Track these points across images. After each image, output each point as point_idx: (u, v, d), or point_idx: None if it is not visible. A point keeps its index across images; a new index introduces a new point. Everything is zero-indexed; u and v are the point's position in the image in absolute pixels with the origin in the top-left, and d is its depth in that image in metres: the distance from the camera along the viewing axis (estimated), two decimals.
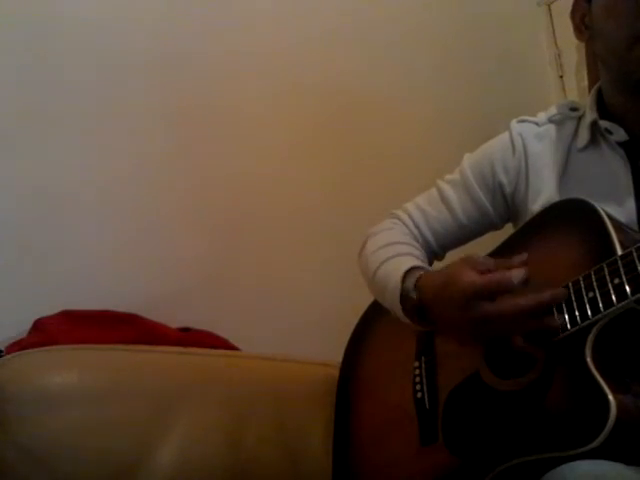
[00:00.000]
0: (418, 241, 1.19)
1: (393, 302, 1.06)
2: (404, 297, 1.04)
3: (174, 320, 1.46)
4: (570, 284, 0.89)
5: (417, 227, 1.19)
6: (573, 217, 0.97)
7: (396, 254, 1.12)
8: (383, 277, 1.10)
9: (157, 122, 1.59)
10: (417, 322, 1.04)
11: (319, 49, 1.81)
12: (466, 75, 2.03)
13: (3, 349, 1.28)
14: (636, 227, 0.97)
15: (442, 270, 1.01)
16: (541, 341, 0.90)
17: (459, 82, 2.01)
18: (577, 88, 2.07)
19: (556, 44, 2.17)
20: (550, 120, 1.13)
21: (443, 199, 1.18)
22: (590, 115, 1.07)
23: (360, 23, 1.89)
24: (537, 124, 1.14)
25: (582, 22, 1.05)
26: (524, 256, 0.93)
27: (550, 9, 2.18)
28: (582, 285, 0.87)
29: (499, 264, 0.94)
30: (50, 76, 1.48)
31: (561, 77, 2.16)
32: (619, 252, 0.85)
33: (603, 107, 1.07)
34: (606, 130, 1.04)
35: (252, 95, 1.71)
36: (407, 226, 1.20)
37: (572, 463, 0.79)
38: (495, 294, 0.91)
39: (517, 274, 0.90)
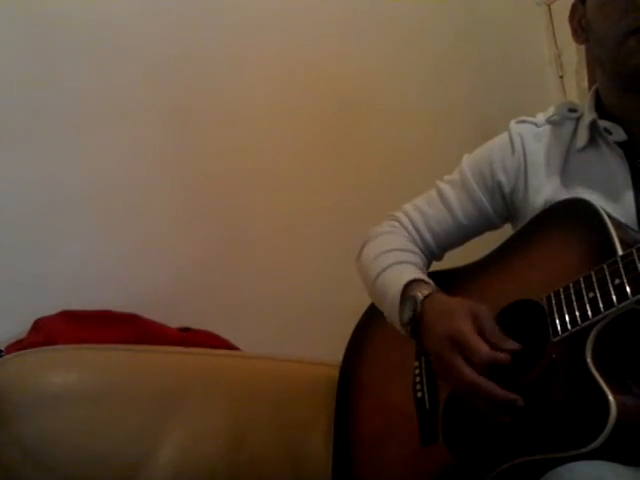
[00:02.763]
0: (417, 243, 1.19)
1: (391, 312, 1.08)
2: (402, 307, 1.05)
3: (174, 320, 1.46)
4: (570, 284, 0.89)
5: (416, 228, 1.19)
6: (574, 217, 0.97)
7: (395, 262, 1.13)
8: (382, 286, 1.12)
9: (158, 123, 1.59)
10: (409, 333, 1.05)
11: (320, 48, 1.82)
12: (466, 75, 2.03)
13: (3, 349, 1.28)
14: (636, 227, 0.97)
15: (452, 300, 1.02)
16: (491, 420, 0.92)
17: (459, 82, 2.01)
18: (577, 88, 2.07)
19: (556, 44, 2.17)
20: (549, 121, 1.13)
21: (442, 199, 1.18)
22: (589, 115, 1.07)
23: (360, 23, 1.89)
24: (536, 125, 1.14)
25: (579, 25, 1.07)
26: (517, 346, 0.92)
27: (550, 9, 2.19)
28: (582, 285, 0.87)
29: (495, 337, 0.93)
30: (50, 76, 1.48)
31: (561, 77, 2.16)
32: (620, 252, 0.85)
33: (601, 108, 1.08)
34: (605, 130, 1.04)
35: (251, 96, 1.71)
36: (406, 228, 1.20)
37: (571, 464, 0.79)
38: (470, 358, 0.91)
39: (501, 357, 0.90)
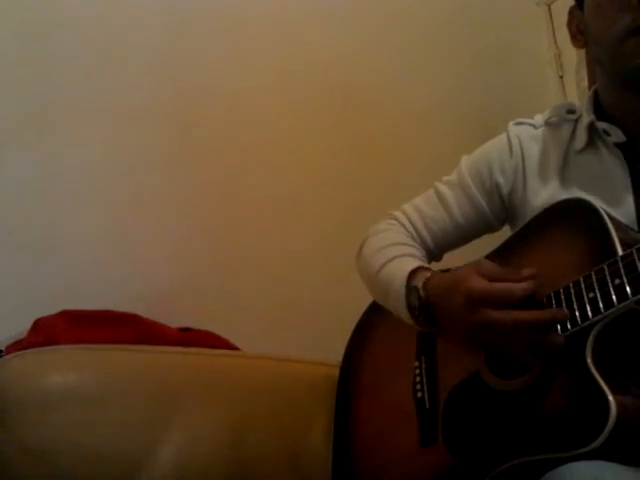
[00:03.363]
0: (416, 242, 1.19)
1: (398, 302, 1.06)
2: (409, 297, 1.04)
3: (174, 320, 1.46)
4: (571, 284, 0.89)
5: (414, 228, 1.19)
6: (574, 217, 0.97)
7: (399, 255, 1.12)
8: (386, 277, 1.10)
9: (160, 123, 1.59)
10: (421, 322, 1.04)
11: (318, 44, 1.82)
12: (466, 75, 2.03)
13: (3, 349, 1.28)
14: (635, 228, 0.97)
15: (451, 272, 1.02)
16: (541, 353, 0.90)
17: (459, 82, 2.01)
18: (577, 88, 2.07)
19: (556, 44, 2.17)
20: (547, 122, 1.13)
21: (440, 200, 1.18)
22: (587, 117, 1.07)
23: (360, 23, 1.89)
24: (534, 126, 1.14)
25: (578, 29, 1.07)
26: (533, 270, 0.93)
27: (550, 9, 2.19)
28: (582, 285, 0.87)
29: (508, 274, 0.94)
30: (49, 73, 1.48)
31: (561, 77, 2.16)
32: (620, 252, 0.85)
33: (600, 109, 1.08)
34: (604, 131, 1.04)
35: (248, 91, 1.71)
36: (404, 227, 1.20)
37: (571, 465, 0.79)
38: (500, 303, 0.91)
39: (524, 286, 0.91)
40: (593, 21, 1.02)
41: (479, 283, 0.92)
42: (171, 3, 1.65)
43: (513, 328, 0.90)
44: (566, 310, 0.88)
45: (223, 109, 1.67)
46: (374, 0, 1.92)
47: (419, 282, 1.02)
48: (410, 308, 1.04)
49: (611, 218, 0.91)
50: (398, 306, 1.06)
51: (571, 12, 1.09)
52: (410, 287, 1.04)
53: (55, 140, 1.47)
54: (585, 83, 1.97)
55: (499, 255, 1.09)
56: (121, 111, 1.55)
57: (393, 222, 1.22)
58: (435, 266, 1.22)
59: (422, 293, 1.01)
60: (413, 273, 1.05)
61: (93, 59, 1.53)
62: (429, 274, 1.04)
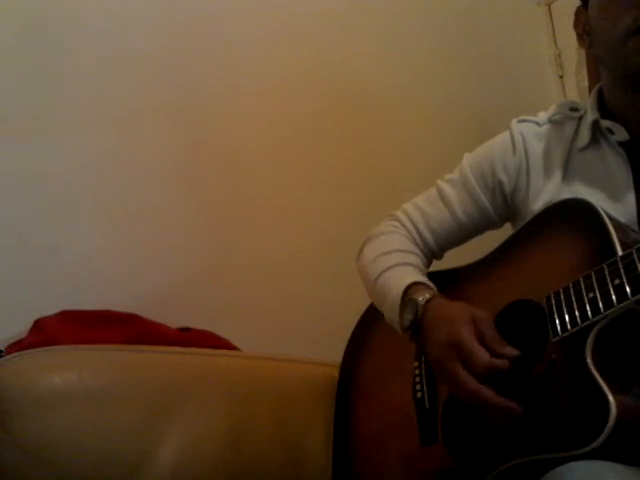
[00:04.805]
0: (417, 243, 1.19)
1: (392, 314, 1.08)
2: (404, 309, 1.05)
3: (174, 320, 1.46)
4: (570, 284, 0.89)
5: (416, 228, 1.19)
6: (573, 217, 0.97)
7: (396, 264, 1.13)
8: (383, 287, 1.12)
9: (160, 123, 1.59)
10: (409, 335, 1.05)
11: (320, 47, 1.82)
12: (466, 75, 2.03)
13: (3, 349, 1.28)
14: (636, 227, 0.97)
15: (452, 305, 1.01)
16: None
17: (459, 82, 2.01)
18: (577, 88, 2.07)
19: (556, 44, 2.17)
20: (550, 120, 1.13)
21: (442, 198, 1.18)
22: (591, 115, 1.07)
23: (360, 23, 1.89)
24: (537, 124, 1.14)
25: (584, 30, 1.07)
26: (516, 353, 0.92)
27: (550, 9, 2.19)
28: (582, 285, 0.87)
29: (493, 341, 0.92)
30: (50, 74, 1.48)
31: (561, 77, 2.16)
32: (619, 253, 0.85)
33: (604, 107, 1.08)
34: (607, 130, 1.04)
35: (250, 94, 1.71)
36: (406, 227, 1.20)
37: (570, 464, 0.79)
38: (470, 365, 0.91)
39: (500, 364, 0.90)
40: (597, 21, 1.02)
41: (466, 336, 0.92)
42: (173, 6, 1.64)
43: (469, 394, 0.91)
44: (519, 407, 0.88)
45: (225, 112, 1.67)
46: (376, 1, 1.91)
47: (421, 297, 1.03)
48: (402, 322, 1.05)
49: (611, 218, 0.91)
50: (391, 316, 1.08)
51: (577, 13, 1.09)
52: (407, 300, 1.05)
53: (55, 140, 1.47)
54: (585, 83, 1.97)
55: (499, 255, 1.09)
56: (122, 112, 1.54)
57: (395, 223, 1.22)
58: (436, 265, 1.23)
59: (420, 312, 1.02)
60: (411, 288, 1.06)
61: (94, 61, 1.53)
62: (430, 294, 1.04)
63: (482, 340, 0.92)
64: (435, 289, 1.07)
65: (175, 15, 1.64)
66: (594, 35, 1.04)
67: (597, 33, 1.03)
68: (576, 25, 1.09)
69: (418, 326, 1.02)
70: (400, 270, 1.12)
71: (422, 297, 1.03)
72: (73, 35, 1.51)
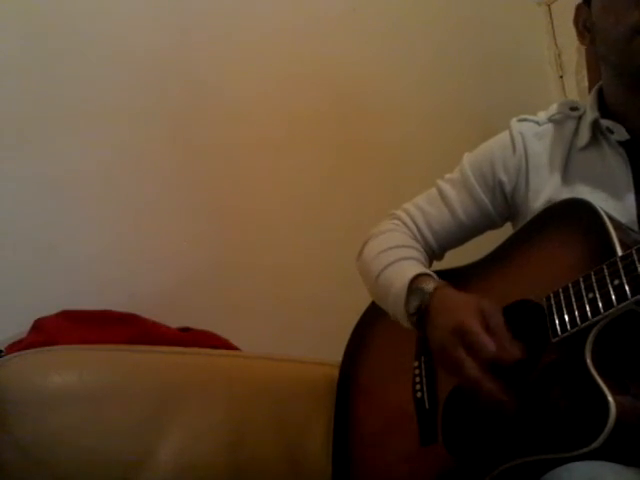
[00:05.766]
0: (418, 241, 1.19)
1: (396, 304, 1.06)
2: (410, 297, 1.04)
3: (174, 320, 1.46)
4: (570, 284, 0.89)
5: (417, 227, 1.19)
6: (573, 217, 0.97)
7: (400, 258, 1.12)
8: (387, 281, 1.10)
9: (160, 123, 1.59)
10: (414, 323, 1.04)
11: (317, 41, 1.82)
12: (466, 75, 2.03)
13: (3, 349, 1.28)
14: (636, 227, 0.97)
15: (459, 294, 1.01)
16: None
17: (459, 82, 2.01)
18: (577, 88, 2.07)
19: (556, 44, 2.18)
20: (550, 119, 1.13)
21: (443, 198, 1.18)
22: (591, 114, 1.07)
23: (360, 23, 1.89)
24: (537, 123, 1.14)
25: (584, 27, 1.07)
26: (520, 355, 0.91)
27: (550, 9, 2.19)
28: (582, 286, 0.87)
29: (502, 335, 0.91)
30: (50, 74, 1.48)
31: (561, 77, 2.16)
32: (619, 253, 0.85)
33: (604, 106, 1.08)
34: (607, 129, 1.04)
35: (253, 95, 1.71)
36: (407, 226, 1.20)
37: (570, 465, 0.79)
38: (476, 353, 0.90)
39: (506, 358, 0.89)
40: (600, 18, 1.02)
41: (474, 325, 0.91)
42: (174, 7, 1.64)
43: (472, 382, 0.90)
44: (514, 406, 0.88)
45: (226, 113, 1.67)
46: (377, 5, 1.91)
47: (427, 286, 1.03)
48: (408, 309, 1.04)
49: (611, 218, 0.91)
50: (396, 308, 1.07)
51: (578, 9, 1.08)
52: (413, 289, 1.04)
53: (56, 141, 1.47)
54: (585, 83, 1.97)
55: (499, 255, 1.09)
56: (123, 113, 1.55)
57: (395, 222, 1.21)
58: (436, 265, 1.23)
59: (427, 299, 1.01)
60: (417, 278, 1.05)
61: (94, 62, 1.53)
62: (437, 284, 1.03)
63: (489, 330, 0.91)
64: (440, 280, 1.06)
65: (176, 17, 1.65)
66: (596, 32, 1.04)
67: (600, 30, 1.03)
68: (576, 21, 1.09)
69: (423, 314, 1.01)
70: (404, 263, 1.11)
71: (428, 286, 1.02)
72: (73, 36, 1.51)
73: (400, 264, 1.11)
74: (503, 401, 0.88)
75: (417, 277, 1.05)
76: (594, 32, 1.05)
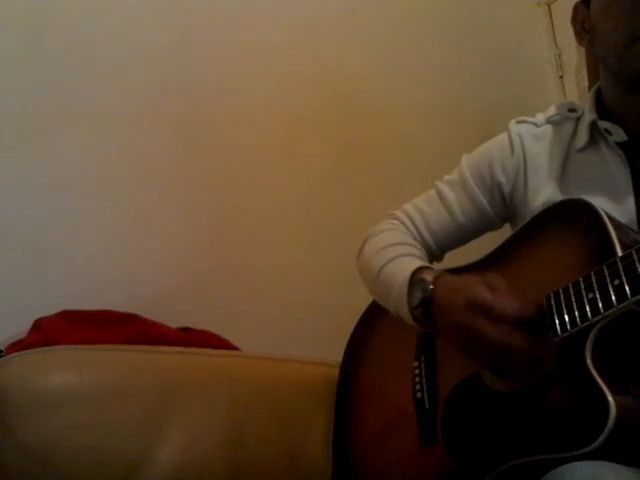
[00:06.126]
0: (417, 242, 1.19)
1: (399, 299, 1.05)
2: (412, 290, 1.03)
3: (174, 320, 1.46)
4: (570, 285, 0.89)
5: (416, 228, 1.19)
6: (573, 218, 0.97)
7: (400, 254, 1.12)
8: (388, 276, 1.10)
9: (160, 124, 1.59)
10: (418, 317, 1.03)
11: (317, 42, 1.82)
12: (466, 75, 2.03)
13: (3, 349, 1.28)
14: (635, 227, 0.97)
15: (460, 276, 1.00)
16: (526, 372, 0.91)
17: (458, 82, 2.01)
18: (577, 88, 2.07)
19: (556, 44, 2.18)
20: (549, 121, 1.13)
21: (441, 199, 1.18)
22: (589, 116, 1.07)
23: (360, 23, 1.89)
24: (536, 125, 1.14)
25: (582, 27, 1.07)
26: (540, 299, 0.91)
27: (550, 9, 2.19)
28: (582, 286, 0.87)
29: (511, 293, 0.92)
30: (50, 75, 1.48)
31: (561, 77, 2.16)
32: (619, 253, 0.85)
33: (602, 108, 1.08)
34: (605, 130, 1.04)
35: (252, 95, 1.71)
36: (405, 226, 1.20)
37: (571, 464, 0.79)
38: (499, 317, 0.89)
39: (527, 312, 0.89)
40: (600, 21, 1.02)
41: (483, 292, 0.91)
42: (175, 7, 1.64)
43: (502, 347, 0.89)
44: (553, 354, 0.87)
45: (225, 114, 1.67)
46: (376, 5, 1.91)
47: (428, 276, 1.02)
48: (411, 302, 1.03)
49: (610, 218, 0.91)
50: (399, 303, 1.06)
51: (576, 8, 1.08)
52: (415, 281, 1.03)
53: (56, 141, 1.47)
54: (585, 83, 1.97)
55: (498, 255, 1.09)
56: (123, 114, 1.54)
57: (394, 222, 1.21)
58: (436, 266, 1.23)
59: (429, 287, 1.00)
60: (418, 270, 1.04)
61: (94, 63, 1.53)
62: (436, 273, 1.03)
63: (499, 294, 0.91)
64: (434, 269, 1.06)
65: (176, 16, 1.65)
66: (596, 34, 1.04)
67: (599, 32, 1.03)
68: (574, 20, 1.09)
69: (428, 305, 1.00)
70: (404, 259, 1.10)
71: (430, 276, 1.02)
72: (73, 36, 1.51)
73: (400, 260, 1.11)
74: (540, 355, 0.87)
75: (418, 270, 1.05)
76: (593, 33, 1.05)
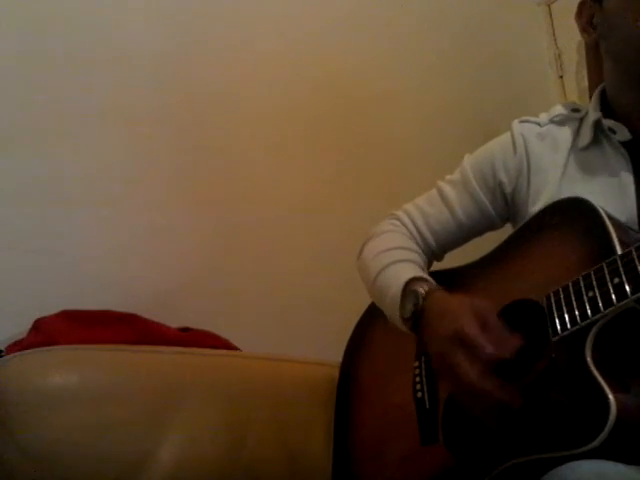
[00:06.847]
0: (417, 242, 1.19)
1: (392, 308, 1.07)
2: (405, 300, 1.04)
3: (174, 320, 1.46)
4: (570, 283, 0.89)
5: (417, 228, 1.19)
6: (573, 216, 0.97)
7: (396, 260, 1.13)
8: (383, 283, 1.11)
9: (160, 123, 1.59)
10: (409, 327, 1.04)
11: (318, 43, 1.82)
12: (466, 75, 2.03)
13: (3, 349, 1.28)
14: (637, 226, 0.97)
15: (453, 297, 1.00)
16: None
17: (459, 82, 2.01)
18: (577, 88, 2.07)
19: (556, 44, 2.18)
20: (552, 120, 1.13)
21: (443, 198, 1.18)
22: (593, 114, 1.07)
23: (360, 23, 1.89)
24: (539, 124, 1.14)
25: (589, 23, 1.06)
26: (519, 343, 0.90)
27: (550, 9, 2.19)
28: (582, 285, 0.87)
29: (499, 334, 0.91)
30: (50, 75, 1.48)
31: (561, 77, 2.16)
32: (619, 251, 0.85)
33: (607, 107, 1.07)
34: (609, 129, 1.04)
35: (254, 97, 1.71)
36: (406, 227, 1.20)
37: (573, 463, 0.79)
38: (475, 355, 0.89)
39: (505, 355, 0.89)
40: (619, 14, 1.01)
41: (471, 327, 0.91)
42: (175, 8, 1.65)
43: (469, 387, 0.89)
44: (520, 400, 0.87)
45: (227, 115, 1.67)
46: (377, 6, 1.91)
47: (421, 289, 1.03)
48: (402, 313, 1.04)
49: (610, 217, 0.91)
50: (391, 312, 1.08)
51: (582, 4, 1.07)
52: (407, 292, 1.04)
53: (56, 141, 1.47)
54: (585, 83, 1.97)
55: (499, 254, 1.09)
56: (123, 115, 1.54)
57: (396, 222, 1.22)
58: (436, 265, 1.23)
59: (420, 302, 1.01)
60: (411, 281, 1.05)
61: (95, 63, 1.53)
62: (430, 284, 1.04)
63: (486, 331, 0.91)
64: (435, 283, 1.06)
65: (177, 17, 1.65)
66: (609, 29, 1.03)
67: (616, 27, 1.02)
68: (579, 16, 1.08)
69: (419, 317, 1.01)
70: (401, 266, 1.11)
71: (422, 289, 1.03)
72: (74, 37, 1.51)
73: (396, 267, 1.12)
74: (504, 400, 0.87)
75: (411, 280, 1.05)
76: (605, 29, 1.04)
